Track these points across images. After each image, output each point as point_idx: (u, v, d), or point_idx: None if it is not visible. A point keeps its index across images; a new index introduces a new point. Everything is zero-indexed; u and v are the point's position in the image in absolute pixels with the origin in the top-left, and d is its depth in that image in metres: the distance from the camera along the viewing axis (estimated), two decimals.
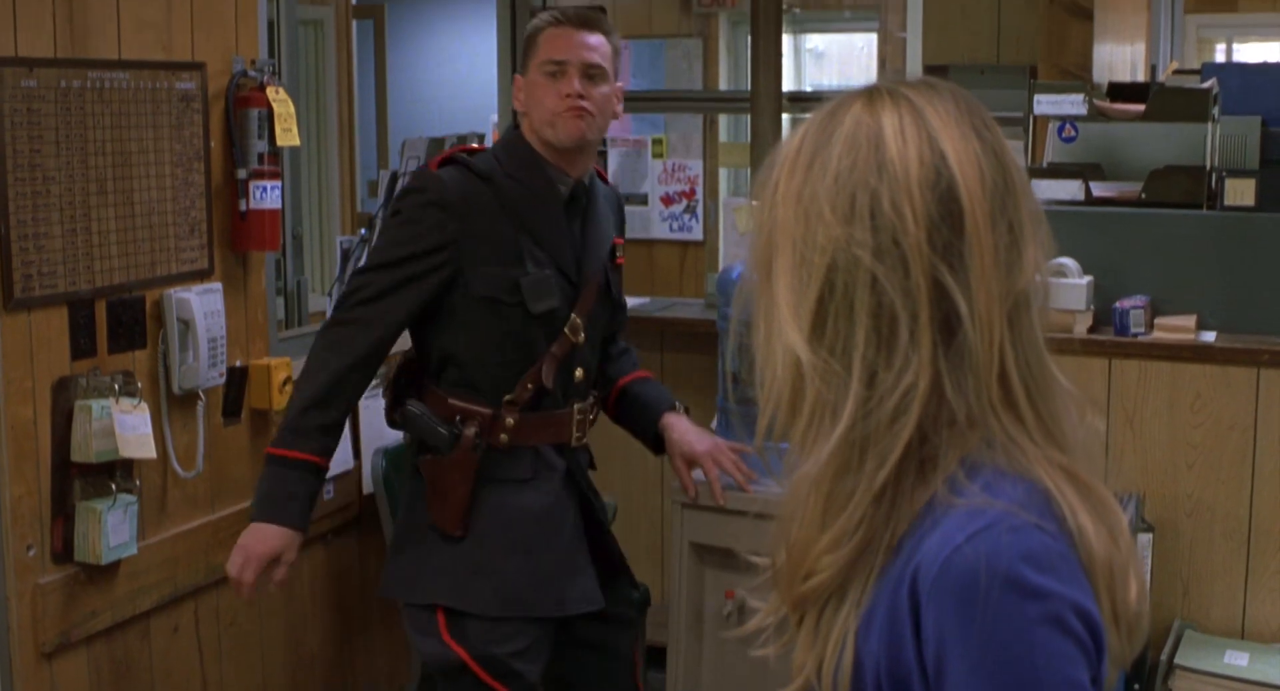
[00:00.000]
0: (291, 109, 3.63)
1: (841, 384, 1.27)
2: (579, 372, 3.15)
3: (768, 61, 4.74)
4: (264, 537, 2.97)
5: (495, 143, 3.28)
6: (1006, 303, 1.27)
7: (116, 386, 3.19)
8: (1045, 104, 3.72)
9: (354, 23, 6.36)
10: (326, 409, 3.01)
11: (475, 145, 3.29)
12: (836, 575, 1.29)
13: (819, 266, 1.27)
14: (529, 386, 3.08)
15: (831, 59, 10.53)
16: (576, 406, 3.17)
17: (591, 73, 3.07)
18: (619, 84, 3.17)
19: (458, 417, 3.07)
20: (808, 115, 1.34)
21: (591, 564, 3.22)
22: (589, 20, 3.12)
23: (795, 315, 1.28)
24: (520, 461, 3.12)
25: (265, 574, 2.99)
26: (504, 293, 3.03)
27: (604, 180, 3.34)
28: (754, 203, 1.38)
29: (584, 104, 3.06)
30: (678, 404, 3.40)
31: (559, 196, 3.12)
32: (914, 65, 4.75)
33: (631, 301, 5.17)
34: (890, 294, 1.25)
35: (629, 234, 3.52)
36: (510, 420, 3.07)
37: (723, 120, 7.75)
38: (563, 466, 3.17)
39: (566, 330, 3.09)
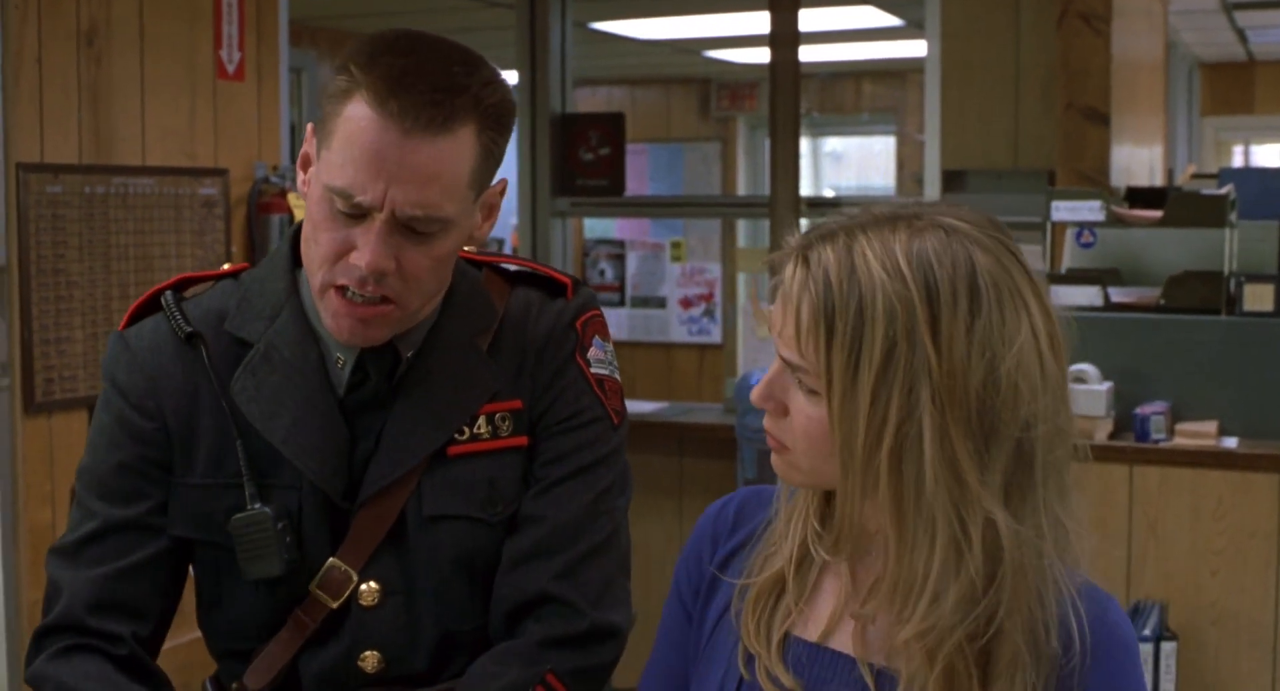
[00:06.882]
0: None
1: (1033, 547, 1.30)
2: (369, 655, 1.80)
3: (786, 166, 4.77)
4: None
5: (263, 261, 1.90)
6: None
7: None
8: (1063, 210, 3.73)
9: None
10: None
11: (226, 268, 1.96)
12: None
13: (1009, 437, 1.29)
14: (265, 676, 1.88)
15: (850, 161, 10.61)
16: None
17: (417, 227, 1.63)
18: (496, 183, 1.73)
19: None
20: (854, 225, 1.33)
21: None
22: (436, 106, 1.58)
23: (983, 484, 1.29)
24: None
25: None
26: (207, 531, 1.82)
27: (562, 287, 1.85)
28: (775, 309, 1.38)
29: (369, 310, 1.66)
30: None
31: (320, 368, 1.78)
32: (932, 169, 4.78)
33: (648, 406, 5.15)
34: (1060, 451, 1.33)
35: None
36: None
37: (741, 223, 7.81)
38: None
39: (316, 587, 1.80)
